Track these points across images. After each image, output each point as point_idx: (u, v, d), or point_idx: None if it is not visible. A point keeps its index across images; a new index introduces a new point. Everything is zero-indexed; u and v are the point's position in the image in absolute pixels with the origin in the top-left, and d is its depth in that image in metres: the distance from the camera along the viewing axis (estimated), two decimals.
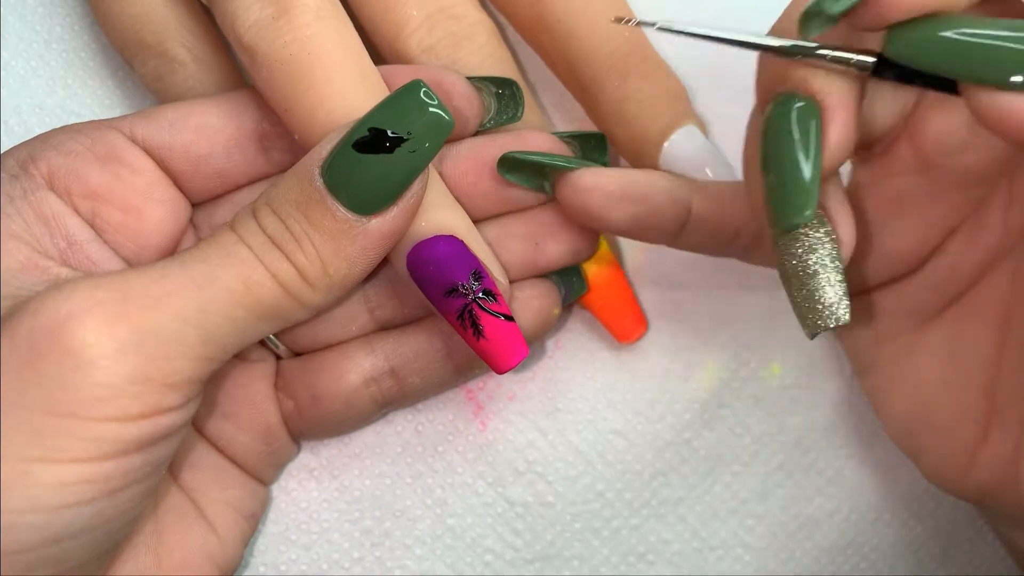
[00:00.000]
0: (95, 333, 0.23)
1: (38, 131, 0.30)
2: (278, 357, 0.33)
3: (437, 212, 0.28)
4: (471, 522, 0.35)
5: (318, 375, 0.32)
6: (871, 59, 0.24)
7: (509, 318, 0.28)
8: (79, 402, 0.23)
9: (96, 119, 0.30)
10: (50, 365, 0.23)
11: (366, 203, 0.26)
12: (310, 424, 0.32)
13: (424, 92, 0.25)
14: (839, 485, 0.36)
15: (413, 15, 0.31)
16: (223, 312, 0.25)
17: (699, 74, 0.32)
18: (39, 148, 0.28)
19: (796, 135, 0.25)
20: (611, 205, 0.29)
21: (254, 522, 0.33)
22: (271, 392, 0.32)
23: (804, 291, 0.26)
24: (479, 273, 0.28)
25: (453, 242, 0.28)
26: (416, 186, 0.26)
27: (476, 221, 0.30)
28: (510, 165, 0.30)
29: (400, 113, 0.25)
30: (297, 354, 0.33)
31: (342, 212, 0.25)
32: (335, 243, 0.26)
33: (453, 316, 0.28)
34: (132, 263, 0.29)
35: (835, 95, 0.24)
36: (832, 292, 0.26)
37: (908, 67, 0.23)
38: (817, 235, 0.26)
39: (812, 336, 0.26)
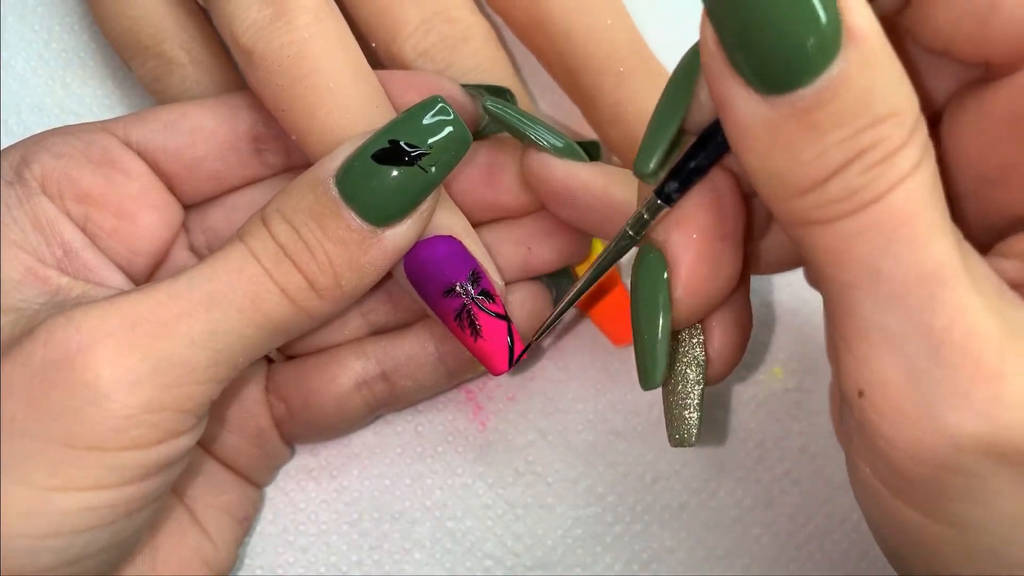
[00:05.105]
0: (108, 366, 0.25)
1: (37, 131, 0.31)
2: (269, 360, 0.34)
3: (436, 212, 0.29)
4: (470, 525, 0.36)
5: (310, 379, 0.33)
6: (658, 201, 0.25)
7: (507, 319, 0.30)
8: (97, 435, 0.25)
9: (91, 120, 0.31)
10: (65, 399, 0.24)
11: (382, 214, 0.27)
12: (301, 427, 0.34)
13: (443, 107, 0.27)
14: (848, 493, 0.35)
15: (409, 19, 0.33)
16: (233, 332, 0.26)
17: None
18: (32, 150, 0.29)
19: (642, 295, 0.25)
20: (554, 201, 0.30)
21: (247, 524, 0.35)
22: (262, 396, 0.34)
23: (667, 397, 0.27)
24: (477, 273, 0.29)
25: (451, 242, 0.29)
26: (430, 200, 0.27)
27: None
28: (492, 114, 0.31)
29: (421, 127, 0.26)
30: (289, 357, 0.34)
31: (357, 222, 0.27)
32: (348, 253, 0.27)
33: (451, 317, 0.29)
34: (124, 269, 0.30)
35: (674, 244, 0.25)
36: (686, 411, 0.27)
37: (686, 175, 0.24)
38: (684, 346, 0.27)
39: (672, 446, 0.27)
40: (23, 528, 0.24)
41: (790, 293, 0.37)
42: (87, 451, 0.25)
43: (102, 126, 0.31)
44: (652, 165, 0.24)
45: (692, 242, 0.25)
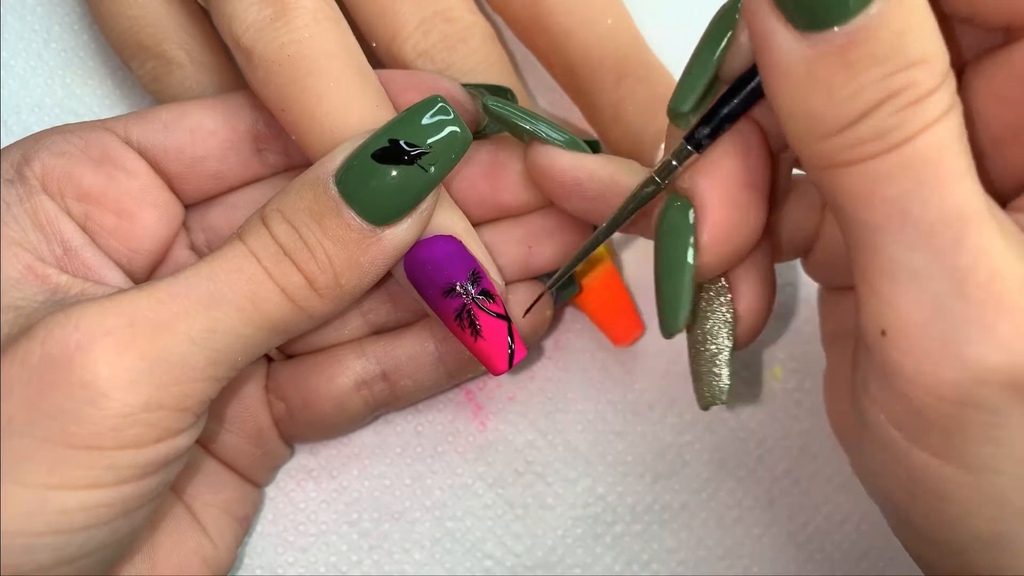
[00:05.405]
0: (106, 365, 0.24)
1: (37, 131, 0.31)
2: (269, 359, 0.34)
3: (436, 212, 0.29)
4: (470, 525, 0.36)
5: (309, 378, 0.33)
6: (687, 147, 0.25)
7: (507, 319, 0.30)
8: (94, 434, 0.24)
9: (92, 120, 0.31)
10: (62, 398, 0.24)
11: (381, 214, 0.27)
12: (301, 427, 0.34)
13: (443, 107, 0.27)
14: (849, 493, 0.36)
15: (409, 19, 0.33)
16: (232, 331, 0.26)
17: None
18: (33, 149, 0.29)
19: (667, 242, 0.26)
20: (561, 194, 0.30)
21: (246, 524, 0.35)
22: (262, 395, 0.34)
23: (696, 359, 0.27)
24: (477, 273, 0.29)
25: (452, 242, 0.29)
26: (430, 199, 0.28)
27: None
28: (492, 113, 0.31)
29: (421, 126, 0.27)
30: (289, 356, 0.34)
31: (357, 222, 0.27)
32: (348, 253, 0.27)
33: (451, 317, 0.29)
34: (124, 267, 0.30)
35: (702, 191, 0.25)
36: (715, 368, 0.27)
37: (717, 122, 0.25)
38: (712, 304, 0.27)
39: (702, 408, 0.28)
40: (21, 527, 0.24)
41: (790, 293, 0.38)
42: (85, 450, 0.25)
43: (102, 125, 0.31)
44: (690, 104, 0.25)
45: (720, 188, 0.25)
